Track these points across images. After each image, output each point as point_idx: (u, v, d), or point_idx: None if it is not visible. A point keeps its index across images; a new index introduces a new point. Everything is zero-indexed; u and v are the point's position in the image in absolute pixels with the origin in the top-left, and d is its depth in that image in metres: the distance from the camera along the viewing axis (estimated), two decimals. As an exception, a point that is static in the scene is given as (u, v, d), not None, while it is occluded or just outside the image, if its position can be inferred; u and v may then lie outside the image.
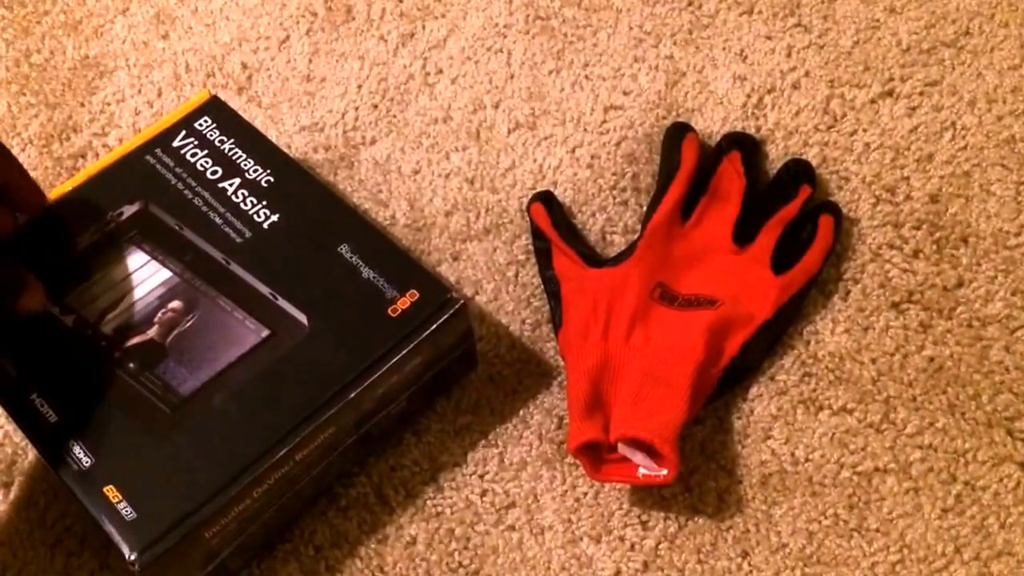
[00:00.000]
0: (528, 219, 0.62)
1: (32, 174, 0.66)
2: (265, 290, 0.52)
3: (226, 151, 0.57)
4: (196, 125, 0.59)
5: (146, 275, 0.53)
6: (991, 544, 0.51)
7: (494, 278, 0.60)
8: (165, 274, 0.53)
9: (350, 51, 0.71)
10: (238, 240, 0.54)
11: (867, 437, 0.54)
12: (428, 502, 0.53)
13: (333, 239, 0.53)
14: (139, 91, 0.70)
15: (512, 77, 0.69)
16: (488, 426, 0.55)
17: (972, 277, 0.58)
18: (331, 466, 0.51)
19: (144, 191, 0.56)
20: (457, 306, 0.51)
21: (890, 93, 0.66)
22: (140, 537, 0.45)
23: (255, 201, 0.55)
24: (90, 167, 0.58)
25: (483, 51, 0.70)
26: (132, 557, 0.45)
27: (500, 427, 0.55)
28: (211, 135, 0.58)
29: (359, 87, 0.69)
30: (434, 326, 0.50)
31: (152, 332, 0.51)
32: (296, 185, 0.56)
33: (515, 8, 0.72)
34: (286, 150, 0.66)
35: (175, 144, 0.58)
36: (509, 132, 0.66)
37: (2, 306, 0.51)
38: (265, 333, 0.51)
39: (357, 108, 0.68)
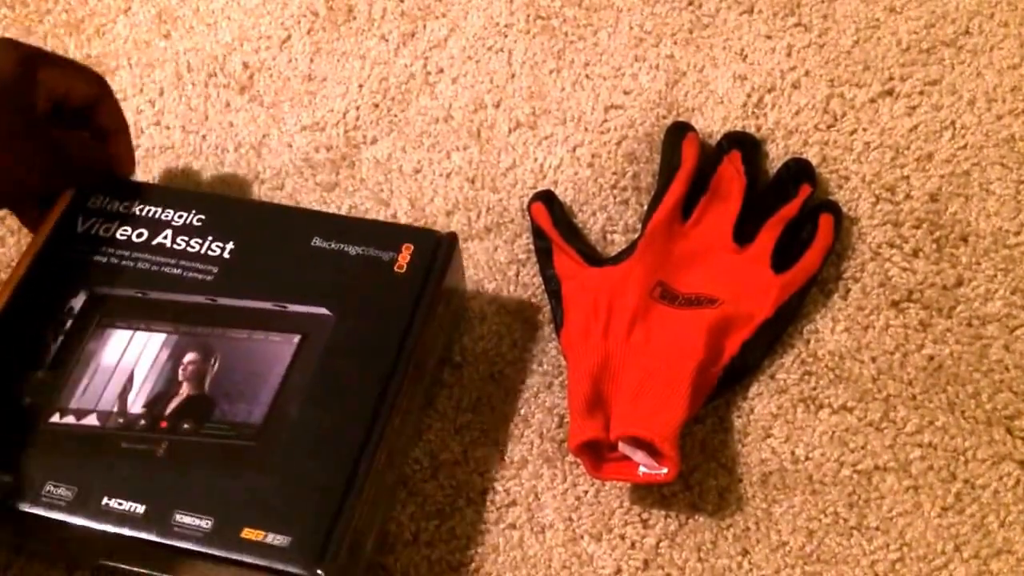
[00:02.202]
0: (529, 218, 0.62)
1: (34, 173, 0.66)
2: (268, 305, 0.52)
3: (137, 213, 0.56)
4: (89, 206, 0.56)
5: (140, 346, 0.51)
6: (991, 542, 0.51)
7: (495, 277, 0.60)
8: (160, 337, 0.52)
9: (351, 50, 0.71)
10: (208, 279, 0.53)
11: (867, 435, 0.54)
12: (429, 500, 0.53)
13: (300, 237, 0.54)
14: (140, 90, 0.70)
15: (513, 76, 0.69)
16: (489, 424, 0.56)
17: (972, 276, 0.58)
18: (410, 431, 0.53)
19: (79, 280, 0.53)
20: (452, 240, 0.53)
21: (890, 92, 0.66)
22: (310, 552, 0.45)
23: (200, 240, 0.54)
24: (1, 287, 0.54)
25: (484, 50, 0.70)
26: (320, 573, 0.44)
27: (501, 425, 0.55)
28: (111, 207, 0.56)
29: (360, 86, 0.69)
30: (442, 264, 0.53)
31: (185, 390, 0.50)
32: (228, 211, 0.56)
33: (516, 8, 0.72)
34: (287, 150, 0.66)
35: (80, 231, 0.55)
36: (510, 131, 0.66)
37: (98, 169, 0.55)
38: (297, 338, 0.51)
39: (358, 107, 0.68)
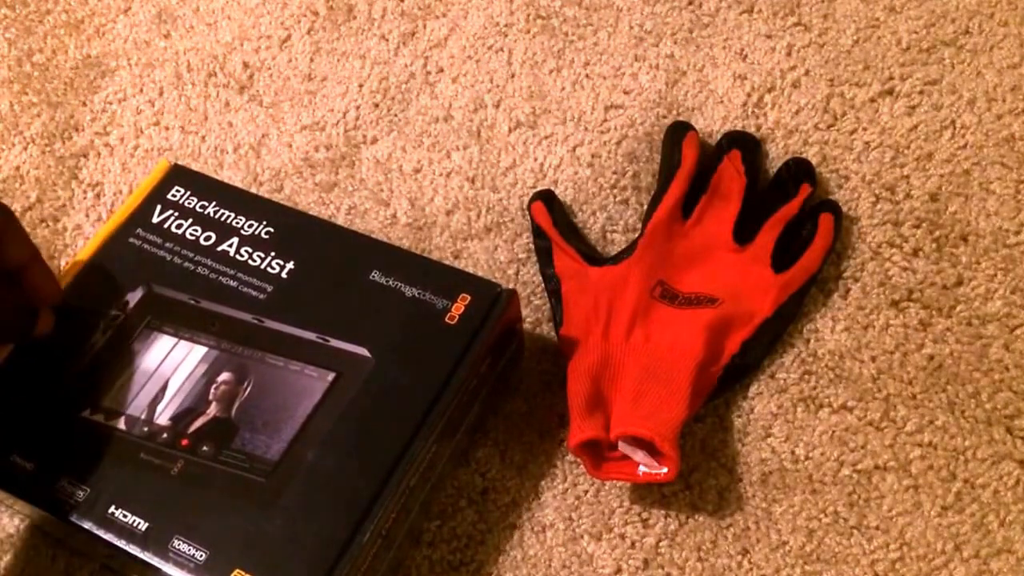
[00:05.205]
0: (529, 218, 0.62)
1: (35, 173, 0.66)
2: (312, 336, 0.51)
3: (211, 214, 0.55)
4: (169, 196, 0.56)
5: (180, 356, 0.51)
6: (990, 542, 0.51)
7: (495, 277, 0.60)
8: (200, 350, 0.51)
9: (351, 50, 0.71)
10: (261, 297, 0.52)
11: (867, 435, 0.54)
12: (431, 500, 0.53)
13: (360, 268, 0.52)
14: (140, 90, 0.70)
15: (513, 76, 0.69)
16: (489, 424, 0.56)
17: (972, 275, 0.58)
18: (433, 489, 0.51)
19: (142, 274, 0.54)
20: (511, 296, 0.51)
21: (890, 92, 0.66)
22: None
23: (262, 255, 0.53)
24: (72, 262, 0.55)
25: (484, 50, 0.70)
26: None
27: (501, 425, 0.56)
28: (189, 203, 0.56)
29: (360, 86, 0.69)
30: (494, 321, 0.50)
31: (212, 410, 0.49)
32: (298, 228, 0.55)
33: (516, 7, 0.72)
34: (287, 150, 0.66)
35: (155, 220, 0.55)
36: (510, 131, 0.66)
37: (22, 335, 0.49)
38: (331, 377, 0.49)
39: (358, 107, 0.68)
